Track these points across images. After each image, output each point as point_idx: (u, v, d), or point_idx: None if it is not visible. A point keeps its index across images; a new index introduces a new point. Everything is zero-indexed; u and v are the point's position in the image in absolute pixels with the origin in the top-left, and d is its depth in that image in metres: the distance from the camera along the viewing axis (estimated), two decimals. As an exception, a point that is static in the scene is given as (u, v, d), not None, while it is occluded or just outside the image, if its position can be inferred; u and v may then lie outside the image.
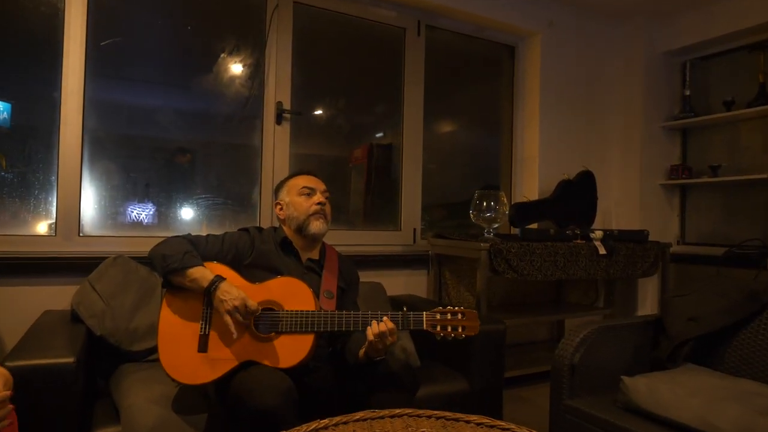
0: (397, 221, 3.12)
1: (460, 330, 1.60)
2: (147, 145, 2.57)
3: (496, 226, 2.88)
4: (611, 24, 3.70)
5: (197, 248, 1.64)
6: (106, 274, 2.03)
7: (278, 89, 2.75)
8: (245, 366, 1.51)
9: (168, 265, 1.54)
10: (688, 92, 3.68)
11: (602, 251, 2.94)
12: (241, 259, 1.72)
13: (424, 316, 1.60)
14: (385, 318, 1.56)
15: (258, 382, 1.38)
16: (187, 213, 2.60)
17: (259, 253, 1.73)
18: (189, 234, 1.70)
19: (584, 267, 2.89)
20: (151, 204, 2.53)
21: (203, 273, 1.55)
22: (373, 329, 1.53)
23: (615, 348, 1.78)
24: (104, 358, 1.92)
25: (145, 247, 2.38)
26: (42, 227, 2.31)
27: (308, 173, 1.88)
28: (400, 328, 1.58)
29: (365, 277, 2.65)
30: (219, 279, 1.54)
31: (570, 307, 3.32)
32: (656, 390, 1.52)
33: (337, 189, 3.07)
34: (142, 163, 2.55)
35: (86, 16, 2.33)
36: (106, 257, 2.15)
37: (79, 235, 2.33)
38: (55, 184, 2.30)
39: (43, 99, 2.32)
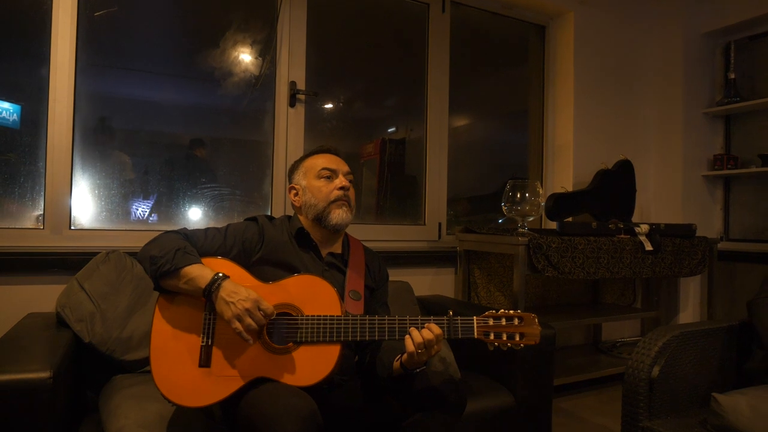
0: (420, 215, 2.85)
1: (517, 338, 1.32)
2: (146, 133, 2.31)
3: (530, 219, 2.60)
4: (647, 3, 3.41)
5: (194, 243, 1.37)
6: (97, 272, 1.77)
7: (292, 68, 2.48)
8: (257, 384, 1.24)
9: (158, 267, 1.27)
10: (732, 75, 3.38)
11: (648, 247, 2.66)
12: (249, 255, 1.44)
13: (475, 322, 1.32)
14: (430, 325, 1.28)
15: (275, 406, 1.11)
16: (190, 205, 2.34)
17: (270, 247, 1.45)
18: (184, 228, 1.43)
19: (629, 264, 2.61)
20: (150, 196, 2.27)
21: (201, 271, 1.27)
22: (415, 338, 1.25)
23: (697, 358, 1.50)
24: (94, 368, 1.66)
25: (143, 242, 2.16)
26: (29, 220, 2.06)
27: (328, 151, 1.59)
28: (446, 336, 1.31)
29: (390, 275, 2.39)
30: (221, 277, 1.26)
31: (608, 309, 3.04)
32: (762, 410, 1.24)
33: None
34: (140, 152, 2.29)
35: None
36: (99, 253, 1.90)
37: (69, 229, 2.08)
38: (42, 171, 2.05)
39: (30, 78, 2.06)
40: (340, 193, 1.49)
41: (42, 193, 2.04)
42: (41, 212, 2.05)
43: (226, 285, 1.24)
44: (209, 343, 1.28)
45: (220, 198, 2.39)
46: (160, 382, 1.25)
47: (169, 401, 1.24)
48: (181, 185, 2.33)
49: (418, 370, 1.33)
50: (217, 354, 1.27)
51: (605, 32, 3.27)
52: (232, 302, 1.22)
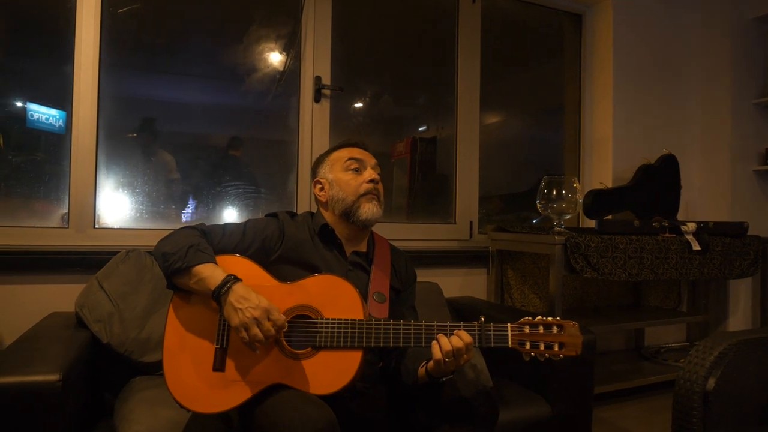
0: (451, 213, 2.74)
1: (556, 348, 1.21)
2: (169, 133, 2.27)
3: (567, 216, 2.46)
4: (692, -13, 3.22)
5: (210, 240, 1.30)
6: (117, 271, 1.73)
7: (316, 63, 2.41)
8: (273, 391, 1.15)
9: (170, 265, 1.21)
10: (786, 63, 3.16)
11: (696, 246, 2.49)
12: (269, 252, 1.36)
13: (509, 329, 1.21)
14: (460, 332, 1.18)
15: (288, 416, 1.02)
16: (215, 204, 2.29)
17: (290, 245, 1.37)
18: (202, 224, 1.36)
19: (675, 265, 2.44)
20: (177, 196, 2.23)
21: (213, 271, 1.19)
22: (444, 346, 1.15)
23: (758, 370, 1.35)
24: (114, 370, 1.62)
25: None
26: (54, 219, 2.04)
27: (355, 144, 1.50)
28: (476, 344, 1.20)
29: (418, 276, 2.29)
30: (232, 279, 1.18)
31: (651, 313, 2.86)
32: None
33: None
34: (165, 149, 2.26)
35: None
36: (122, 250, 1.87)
37: (94, 227, 2.06)
38: (67, 170, 2.03)
39: (55, 76, 2.05)
40: (370, 186, 1.41)
41: (67, 192, 2.03)
42: (66, 211, 2.03)
43: (237, 289, 1.16)
44: (224, 346, 1.20)
45: (244, 196, 2.34)
46: (173, 386, 1.19)
47: (182, 406, 1.18)
48: (205, 184, 2.28)
49: (444, 379, 1.23)
50: (232, 358, 1.20)
51: (646, 19, 3.10)
52: (241, 309, 1.13)
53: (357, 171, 1.43)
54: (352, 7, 2.54)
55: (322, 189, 1.47)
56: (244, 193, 2.35)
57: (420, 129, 2.89)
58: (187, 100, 2.32)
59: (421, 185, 2.78)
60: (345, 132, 2.56)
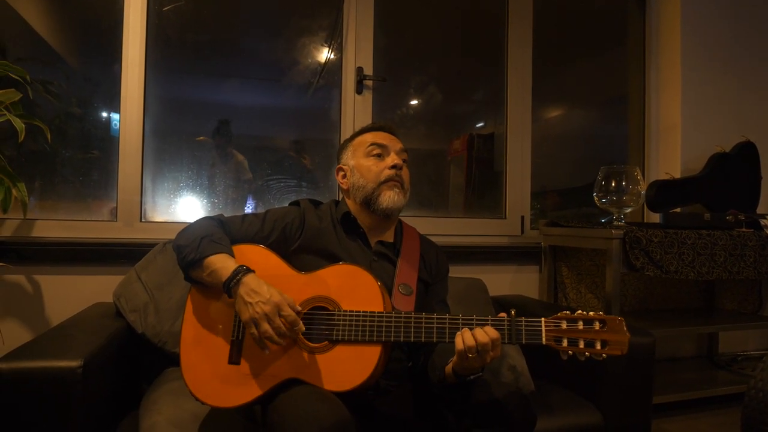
0: (501, 208, 2.61)
1: (598, 347, 1.08)
2: (213, 124, 2.29)
3: (628, 210, 2.27)
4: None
5: (228, 230, 1.27)
6: (154, 263, 1.75)
7: (358, 54, 2.36)
8: (289, 386, 1.10)
9: (184, 257, 1.18)
10: None
11: (778, 243, 2.23)
12: (289, 242, 1.31)
13: (543, 324, 1.10)
14: (486, 327, 1.08)
15: (295, 413, 0.97)
16: (258, 195, 2.30)
17: (311, 234, 1.32)
18: (221, 214, 1.33)
19: (753, 263, 2.20)
20: (219, 185, 2.25)
21: (225, 262, 1.15)
22: (467, 340, 1.05)
23: None
24: (151, 359, 1.63)
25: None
26: (104, 213, 2.11)
27: (381, 128, 1.42)
28: (506, 341, 1.10)
29: (463, 272, 2.19)
30: (244, 271, 1.13)
31: (726, 316, 2.59)
32: None
33: (435, 183, 2.65)
34: (207, 144, 2.28)
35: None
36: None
37: (141, 221, 2.10)
38: (116, 165, 2.09)
39: (104, 73, 2.12)
40: (391, 172, 1.33)
41: (115, 187, 2.09)
42: (114, 205, 2.09)
43: (247, 281, 1.11)
44: (239, 338, 1.16)
45: (285, 189, 2.33)
46: (189, 378, 1.16)
47: (197, 399, 1.15)
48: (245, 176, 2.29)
49: (472, 377, 1.13)
50: (248, 351, 1.15)
51: (719, -3, 2.82)
52: (251, 303, 1.08)
53: (380, 156, 1.36)
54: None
55: (344, 176, 1.41)
56: (286, 186, 2.33)
57: (477, 125, 2.78)
58: (230, 101, 2.33)
59: (479, 183, 2.67)
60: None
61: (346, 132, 2.34)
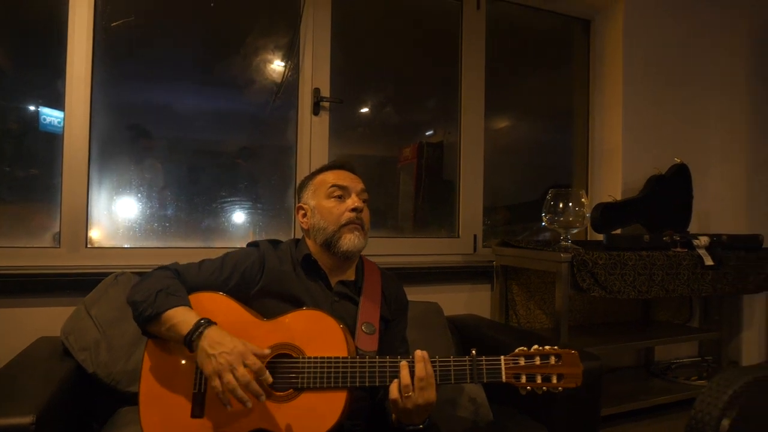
0: (454, 227, 2.67)
1: (554, 380, 1.15)
2: (164, 145, 2.22)
3: (574, 231, 2.38)
4: (708, -11, 3.11)
5: (185, 279, 1.24)
6: (105, 296, 1.68)
7: (315, 74, 2.35)
8: (257, 436, 1.10)
9: (140, 313, 1.15)
10: (805, 68, 3.05)
11: (709, 261, 2.40)
12: (249, 286, 1.30)
13: (503, 363, 1.15)
14: (419, 353, 1.12)
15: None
16: (211, 219, 2.24)
17: (271, 277, 1.31)
18: (176, 263, 1.30)
19: (686, 281, 2.36)
20: (170, 209, 2.19)
21: (184, 316, 1.12)
22: (403, 379, 1.09)
23: (775, 410, 1.27)
24: (101, 398, 1.57)
25: (162, 260, 2.02)
26: (46, 238, 2.00)
27: (342, 167, 1.43)
28: (469, 380, 1.14)
29: (417, 294, 2.22)
30: (204, 324, 1.11)
31: (662, 329, 2.76)
32: None
33: (385, 191, 2.67)
34: (159, 165, 2.21)
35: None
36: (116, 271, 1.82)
37: (86, 247, 2.01)
38: (59, 184, 1.98)
39: (46, 87, 2.01)
40: (352, 215, 1.33)
41: (58, 210, 1.98)
42: (57, 230, 1.99)
43: (210, 333, 1.09)
44: (202, 391, 1.14)
45: (241, 211, 2.29)
46: (150, 432, 1.13)
47: (159, 456, 1.12)
48: (201, 199, 2.23)
49: (413, 428, 1.16)
50: (210, 403, 1.14)
51: (660, 24, 2.99)
52: (214, 354, 1.06)
53: (340, 198, 1.36)
54: (352, 15, 2.48)
55: (304, 215, 1.41)
56: (241, 207, 2.29)
57: (427, 133, 2.83)
58: (182, 110, 2.26)
59: (428, 190, 2.72)
60: (347, 141, 2.51)
61: (303, 153, 2.33)
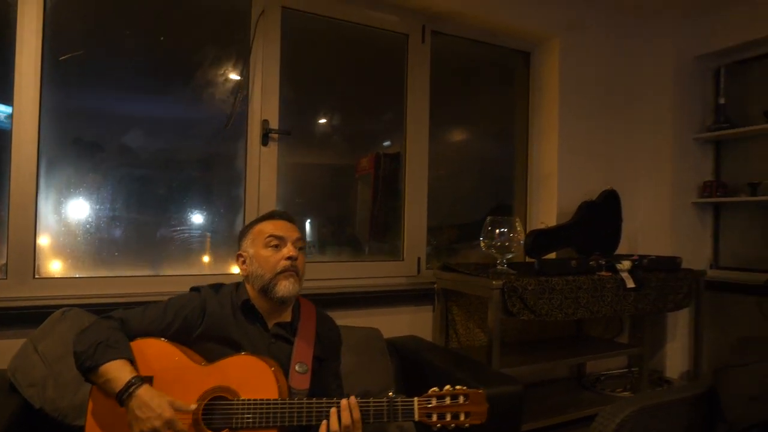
0: (399, 250, 2.81)
1: (462, 418, 1.29)
2: (114, 173, 2.27)
3: (510, 256, 2.55)
4: (637, 25, 3.34)
5: (129, 328, 1.34)
6: (52, 332, 1.74)
7: (264, 106, 2.45)
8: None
9: (81, 363, 1.25)
10: (722, 101, 3.31)
11: (630, 284, 2.61)
12: (191, 330, 1.40)
13: (416, 404, 1.29)
14: (345, 402, 1.24)
15: None
16: (161, 246, 2.31)
17: (211, 322, 1.41)
18: (120, 311, 1.39)
19: (610, 303, 2.55)
20: (119, 235, 2.24)
21: (119, 372, 1.22)
22: (332, 424, 1.22)
23: (658, 434, 1.45)
24: (49, 432, 1.63)
25: (113, 289, 2.12)
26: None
27: (280, 217, 1.55)
28: (386, 419, 1.27)
29: (361, 317, 2.36)
30: (135, 384, 1.20)
31: (592, 345, 2.97)
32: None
33: (343, 200, 2.82)
34: (109, 192, 2.25)
35: (41, 29, 2.05)
36: (66, 304, 1.88)
37: (34, 277, 2.05)
38: (4, 210, 2.00)
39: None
40: (287, 263, 1.45)
41: (5, 239, 2.01)
42: (3, 261, 2.02)
43: (140, 394, 1.19)
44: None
45: (191, 239, 2.37)
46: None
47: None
48: (151, 226, 2.30)
49: None
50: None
51: (593, 58, 3.21)
52: (141, 418, 1.16)
53: (277, 247, 1.47)
54: (302, 47, 2.58)
55: (244, 262, 1.51)
56: (191, 237, 2.37)
57: (385, 144, 2.94)
58: (134, 132, 2.31)
59: (385, 200, 2.84)
60: (305, 151, 2.62)
61: (251, 183, 2.42)
